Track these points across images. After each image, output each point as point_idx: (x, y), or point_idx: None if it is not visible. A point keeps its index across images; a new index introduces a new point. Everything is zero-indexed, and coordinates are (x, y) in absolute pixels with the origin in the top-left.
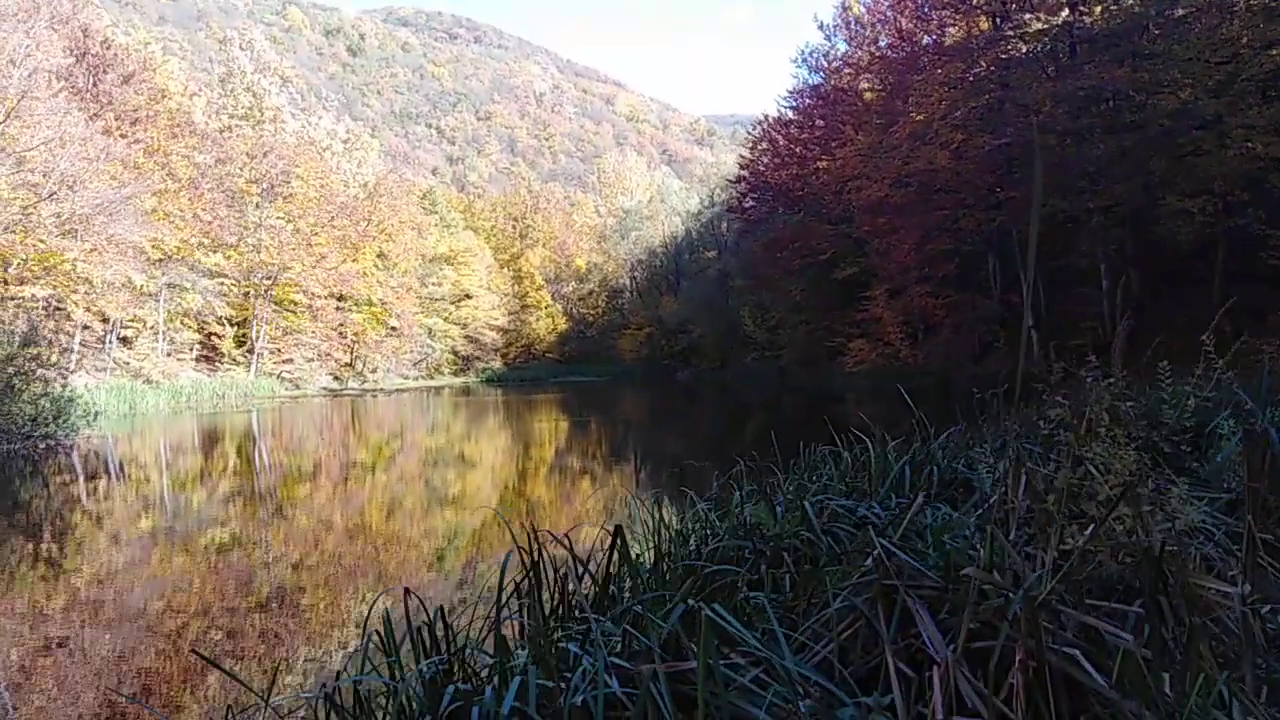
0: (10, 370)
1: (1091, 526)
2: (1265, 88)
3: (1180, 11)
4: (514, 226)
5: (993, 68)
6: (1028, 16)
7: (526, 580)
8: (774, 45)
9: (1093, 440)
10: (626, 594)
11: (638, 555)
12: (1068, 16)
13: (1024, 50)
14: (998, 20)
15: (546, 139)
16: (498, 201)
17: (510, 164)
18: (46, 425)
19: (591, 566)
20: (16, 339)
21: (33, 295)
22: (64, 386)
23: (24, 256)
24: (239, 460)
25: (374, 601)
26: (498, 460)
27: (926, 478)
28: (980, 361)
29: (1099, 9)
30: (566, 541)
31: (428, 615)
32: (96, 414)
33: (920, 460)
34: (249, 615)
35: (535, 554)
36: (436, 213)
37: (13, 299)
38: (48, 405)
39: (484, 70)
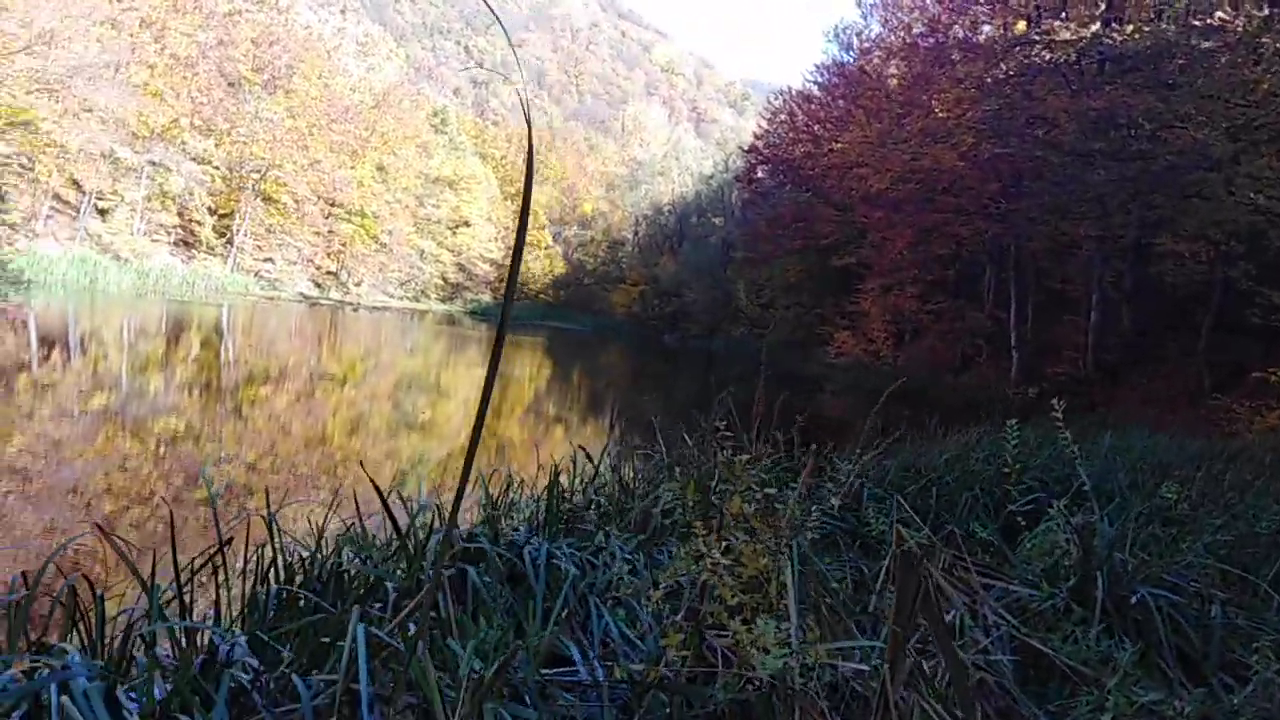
0: None
1: None
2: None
3: (1207, 44)
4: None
5: (1013, 72)
6: (1058, 24)
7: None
8: (829, 17)
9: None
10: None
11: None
12: (1098, 30)
13: (1047, 59)
14: (1031, 23)
15: (576, 76)
16: (512, 132)
17: (534, 96)
18: None
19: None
20: None
21: None
22: None
23: None
24: (172, 354)
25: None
26: (472, 395)
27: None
28: (959, 374)
29: (1130, 27)
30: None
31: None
32: (29, 283)
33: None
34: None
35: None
36: (446, 133)
37: None
38: None
39: None
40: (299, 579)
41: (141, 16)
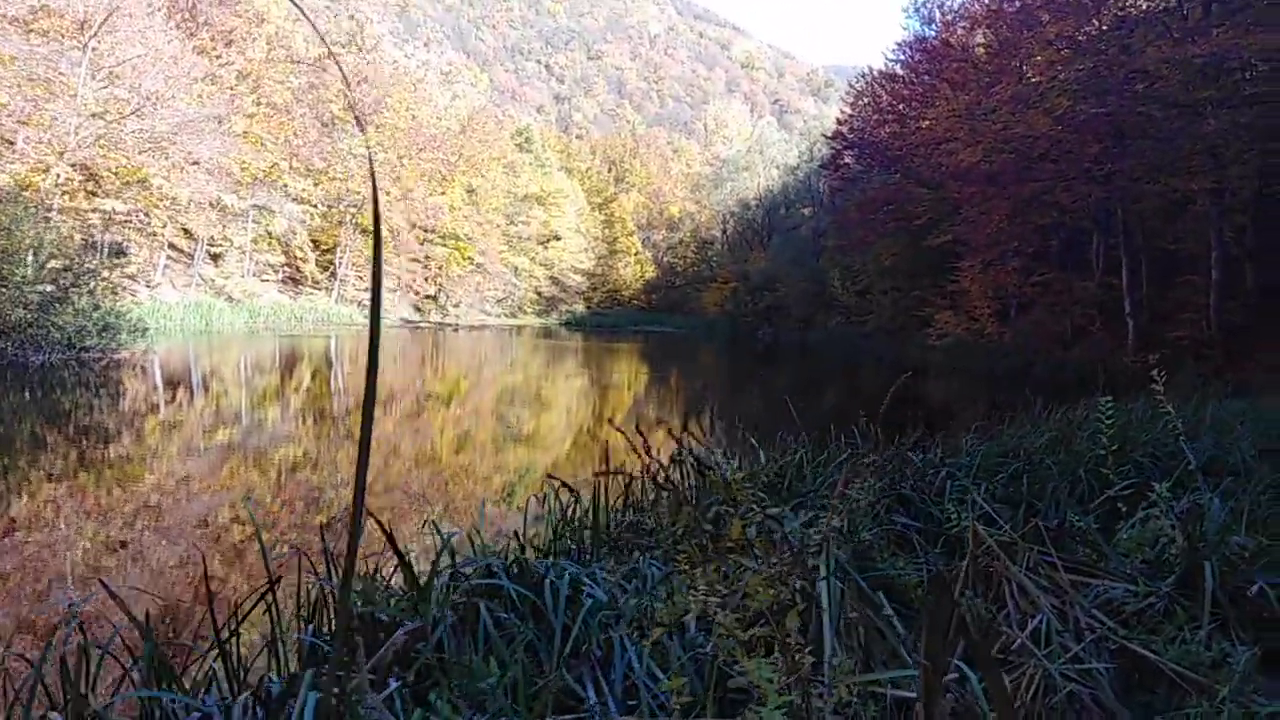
0: (64, 281)
1: None
2: None
3: None
4: (610, 170)
5: (1108, 27)
6: None
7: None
8: None
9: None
10: None
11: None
12: None
13: (1145, 8)
14: None
15: (656, 82)
16: (596, 144)
17: (616, 105)
18: (89, 339)
19: None
20: (72, 249)
21: (113, 209)
22: (114, 301)
23: (107, 170)
24: (290, 386)
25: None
26: (573, 404)
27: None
28: (1070, 348)
29: None
30: None
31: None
32: (146, 330)
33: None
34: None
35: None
36: (531, 151)
37: (94, 210)
38: (95, 319)
39: (599, 8)
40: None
41: (238, 70)
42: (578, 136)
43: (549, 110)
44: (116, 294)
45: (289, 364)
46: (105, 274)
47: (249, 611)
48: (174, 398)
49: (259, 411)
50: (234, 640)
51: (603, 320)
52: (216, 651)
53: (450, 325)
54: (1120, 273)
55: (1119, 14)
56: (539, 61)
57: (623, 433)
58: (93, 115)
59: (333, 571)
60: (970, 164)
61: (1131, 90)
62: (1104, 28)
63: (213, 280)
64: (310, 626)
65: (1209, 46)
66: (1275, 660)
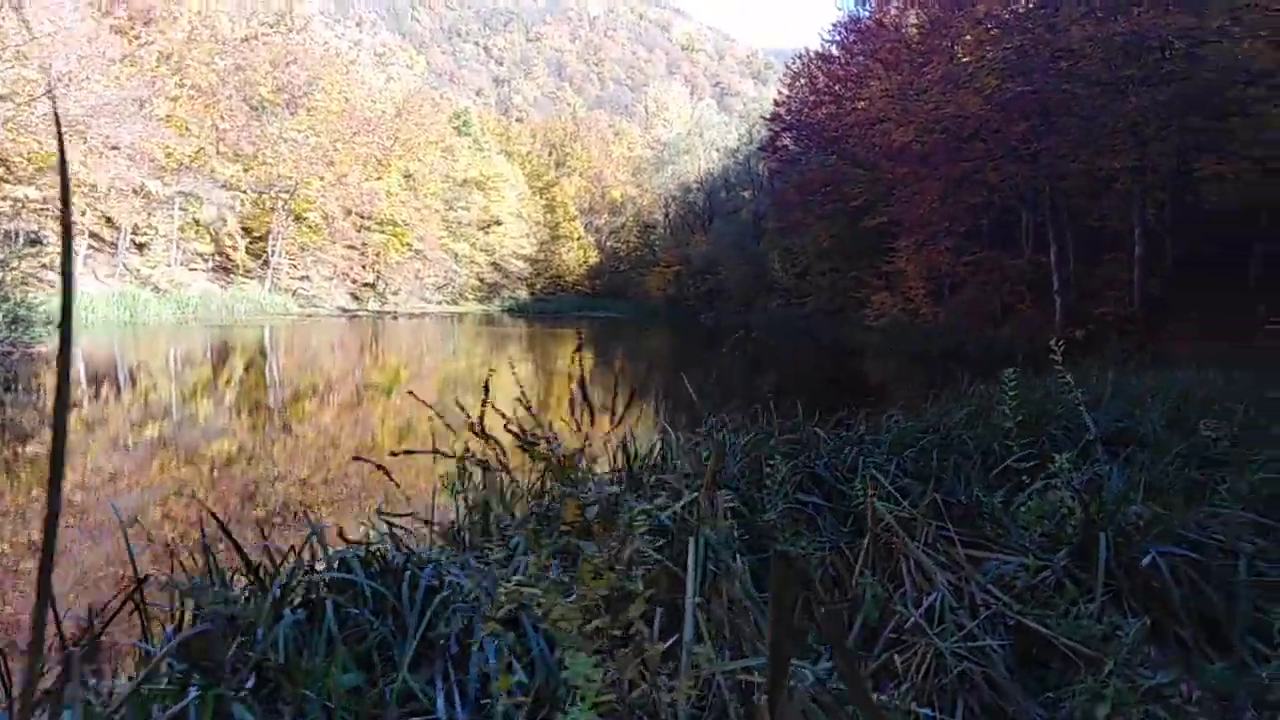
0: None
1: None
2: None
3: None
4: (551, 154)
5: (1034, 5)
6: None
7: None
8: None
9: None
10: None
11: None
12: None
13: None
14: None
15: (596, 64)
16: (536, 127)
17: (556, 88)
18: None
19: None
20: None
21: (25, 196)
22: (24, 293)
23: (18, 155)
24: (221, 379)
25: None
26: (515, 390)
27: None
28: (1000, 326)
29: None
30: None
31: None
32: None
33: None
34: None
35: None
36: (470, 135)
37: (4, 198)
38: (5, 310)
39: None
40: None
41: (159, 51)
42: (518, 120)
43: (488, 93)
44: (28, 285)
45: (219, 356)
46: (15, 264)
47: (117, 610)
48: (98, 394)
49: (187, 407)
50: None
51: (546, 306)
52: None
53: (389, 313)
54: (1049, 251)
55: None
56: (477, 44)
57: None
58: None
59: (214, 567)
60: (903, 144)
61: (1056, 68)
62: (1030, 5)
63: (138, 270)
64: (172, 627)
65: (1129, 25)
66: (1164, 630)
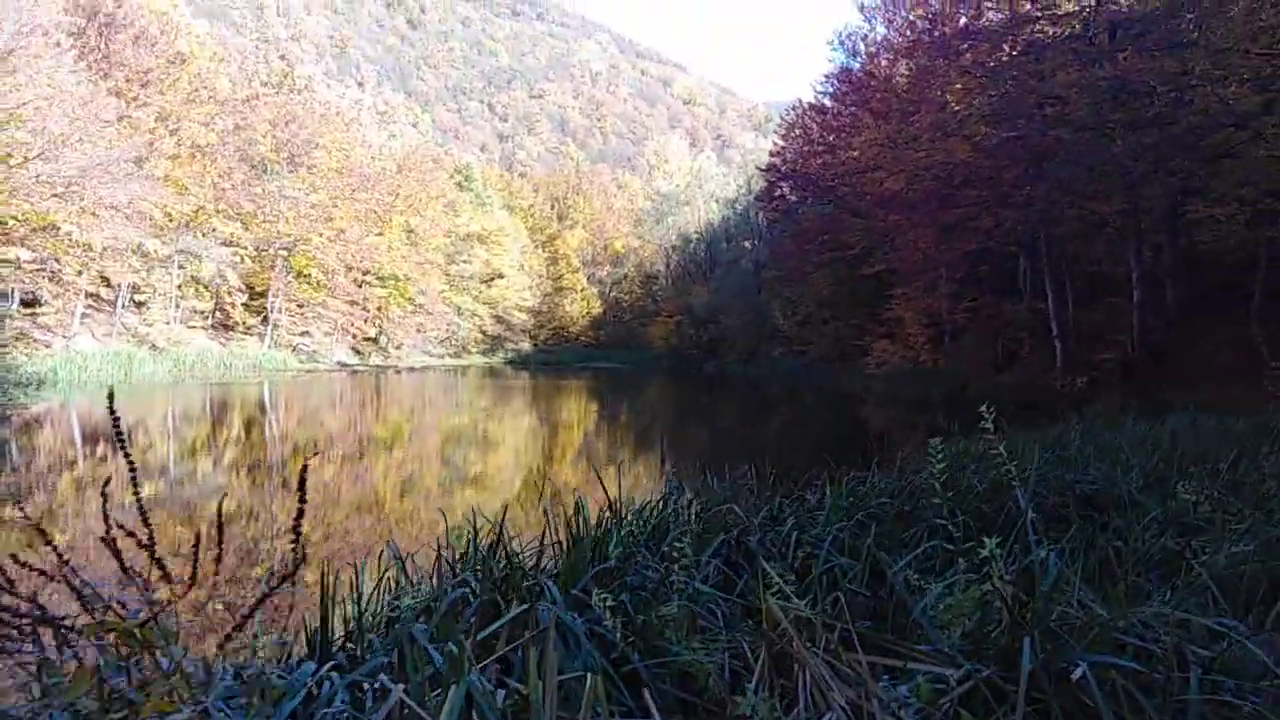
0: None
1: None
2: None
3: None
4: (553, 207)
5: (1019, 53)
6: None
7: None
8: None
9: None
10: None
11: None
12: None
13: (1052, 33)
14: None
15: (599, 119)
16: (539, 181)
17: (560, 143)
18: None
19: None
20: None
21: (18, 258)
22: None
23: (11, 216)
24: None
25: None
26: (521, 444)
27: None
28: (1002, 371)
29: None
30: None
31: None
32: (40, 383)
33: None
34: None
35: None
36: (471, 189)
37: None
38: None
39: (541, 47)
40: None
41: (157, 111)
42: (521, 174)
43: (492, 149)
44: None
45: (215, 414)
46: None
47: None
48: (93, 452)
49: (181, 465)
50: None
51: (549, 358)
52: None
53: (392, 367)
54: (1047, 296)
55: (1029, 39)
56: (481, 101)
57: None
58: None
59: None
60: (894, 191)
61: (1043, 114)
62: (1016, 54)
63: (136, 329)
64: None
65: (1114, 70)
66: None
